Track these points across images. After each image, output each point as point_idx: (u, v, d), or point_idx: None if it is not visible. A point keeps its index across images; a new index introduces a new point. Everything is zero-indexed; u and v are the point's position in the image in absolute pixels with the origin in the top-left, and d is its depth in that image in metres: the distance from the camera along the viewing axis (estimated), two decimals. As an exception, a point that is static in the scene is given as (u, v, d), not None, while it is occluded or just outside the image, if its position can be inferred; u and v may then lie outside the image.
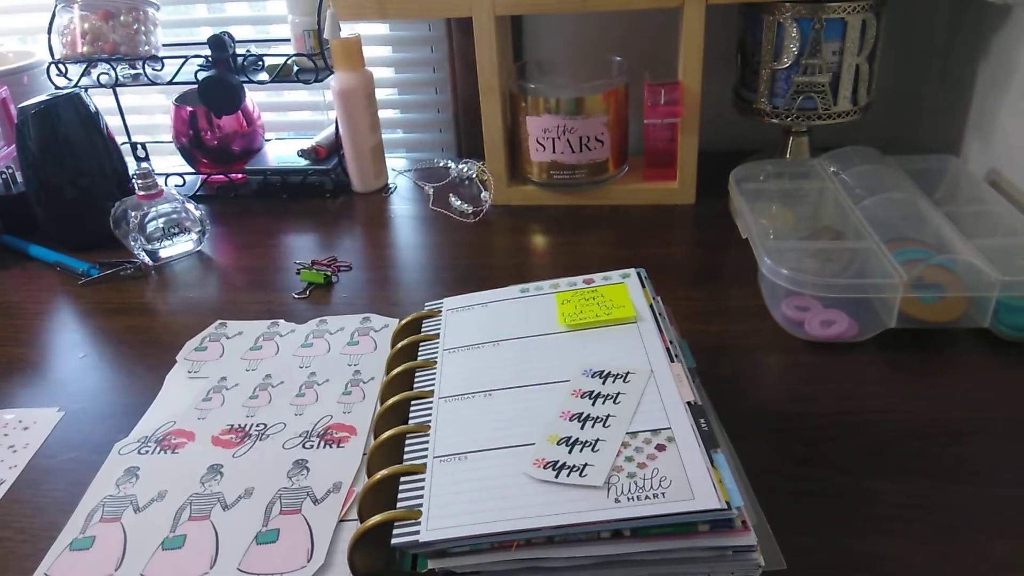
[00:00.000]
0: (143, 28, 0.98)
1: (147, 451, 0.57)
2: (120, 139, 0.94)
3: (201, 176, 1.03)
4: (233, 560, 0.47)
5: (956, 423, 0.54)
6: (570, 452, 0.42)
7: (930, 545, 0.45)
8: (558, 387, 0.48)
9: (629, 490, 0.39)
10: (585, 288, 0.57)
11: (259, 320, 0.73)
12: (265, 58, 0.98)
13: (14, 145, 0.89)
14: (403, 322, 0.59)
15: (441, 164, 1.08)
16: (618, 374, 0.48)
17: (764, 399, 0.58)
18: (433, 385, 0.51)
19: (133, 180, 0.83)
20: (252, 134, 1.04)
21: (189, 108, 0.99)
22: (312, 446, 0.56)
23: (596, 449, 0.42)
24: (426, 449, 0.45)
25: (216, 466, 0.55)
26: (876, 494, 0.48)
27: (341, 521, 0.49)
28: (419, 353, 0.55)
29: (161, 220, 0.84)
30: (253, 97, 1.04)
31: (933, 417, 0.55)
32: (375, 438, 0.48)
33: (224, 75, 0.93)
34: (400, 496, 0.42)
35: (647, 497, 0.39)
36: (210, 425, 0.59)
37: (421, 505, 0.41)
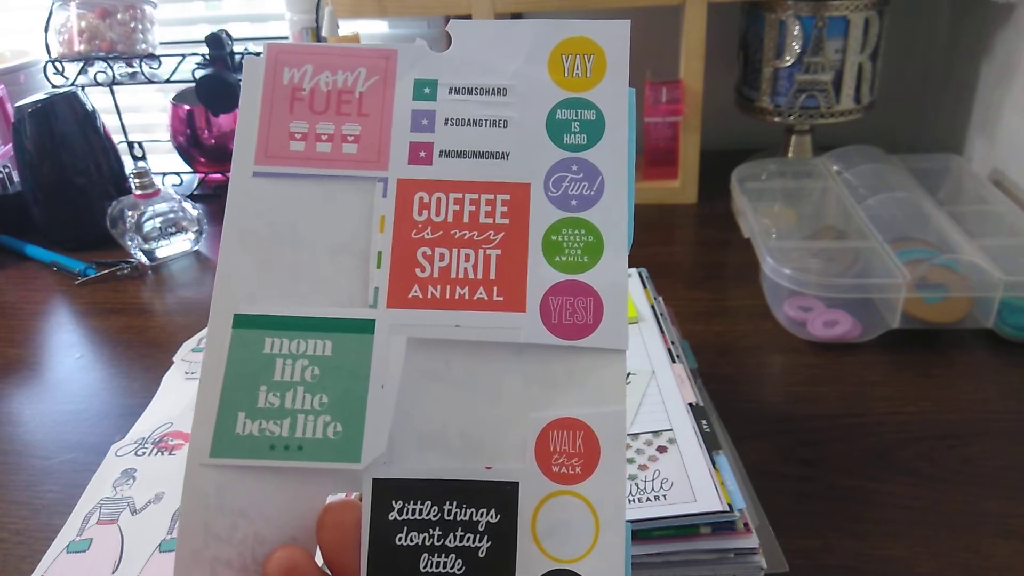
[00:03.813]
0: (140, 26, 0.97)
1: (144, 452, 0.56)
2: (117, 138, 0.94)
3: (199, 175, 1.03)
4: (230, 563, 0.46)
5: (960, 424, 0.53)
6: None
7: (934, 547, 0.44)
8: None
9: (630, 492, 0.39)
10: (586, 288, 0.57)
11: (257, 320, 0.72)
12: (263, 56, 0.97)
13: (10, 144, 0.89)
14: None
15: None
16: (619, 375, 0.47)
17: (766, 400, 0.57)
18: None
19: (130, 179, 0.82)
20: (250, 133, 1.03)
21: (186, 107, 0.99)
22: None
23: (597, 451, 0.41)
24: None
25: (213, 468, 0.54)
26: (880, 496, 0.48)
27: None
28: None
29: (158, 219, 0.84)
30: (251, 96, 1.04)
31: (937, 418, 0.54)
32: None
33: (222, 73, 0.93)
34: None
35: (648, 499, 0.38)
36: (207, 426, 0.59)
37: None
